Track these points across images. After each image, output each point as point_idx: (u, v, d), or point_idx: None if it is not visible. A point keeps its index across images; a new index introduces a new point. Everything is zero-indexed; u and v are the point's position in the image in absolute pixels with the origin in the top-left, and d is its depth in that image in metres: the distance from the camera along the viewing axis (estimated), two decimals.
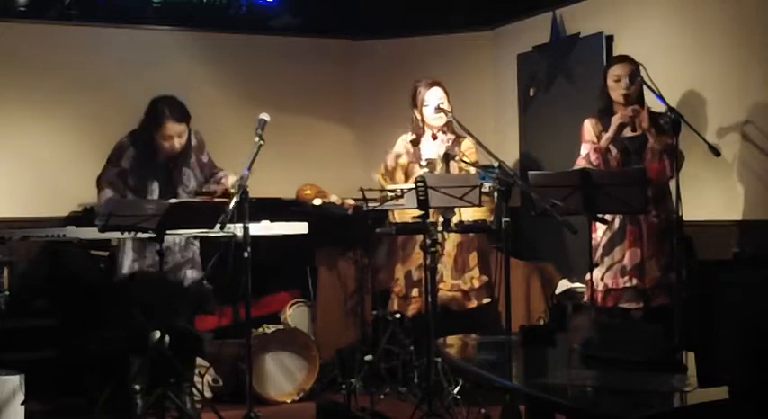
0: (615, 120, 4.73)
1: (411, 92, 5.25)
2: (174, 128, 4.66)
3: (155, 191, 4.72)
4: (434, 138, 5.24)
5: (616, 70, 4.79)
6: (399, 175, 5.24)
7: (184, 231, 4.57)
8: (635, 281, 4.66)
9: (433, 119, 5.19)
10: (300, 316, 5.85)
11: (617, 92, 4.78)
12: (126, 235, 4.38)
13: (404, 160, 5.25)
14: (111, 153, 4.75)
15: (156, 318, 4.45)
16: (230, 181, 4.73)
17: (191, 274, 4.81)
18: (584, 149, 4.85)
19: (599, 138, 4.79)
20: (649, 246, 4.68)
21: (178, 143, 4.70)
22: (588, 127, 4.87)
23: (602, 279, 4.73)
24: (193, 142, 4.83)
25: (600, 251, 4.75)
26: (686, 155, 4.74)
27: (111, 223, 4.24)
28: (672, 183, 4.49)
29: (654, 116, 4.71)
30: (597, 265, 4.68)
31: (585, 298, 4.93)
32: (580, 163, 4.80)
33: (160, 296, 4.41)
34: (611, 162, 4.78)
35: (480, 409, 4.58)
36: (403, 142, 5.31)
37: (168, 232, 4.33)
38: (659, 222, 4.68)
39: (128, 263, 4.72)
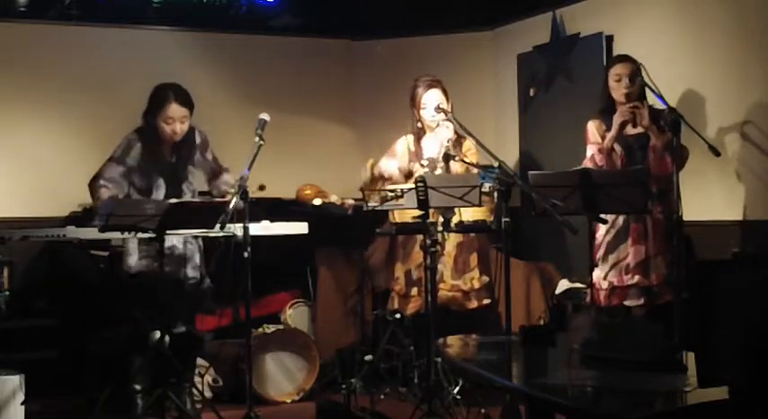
0: (617, 119, 4.74)
1: (410, 91, 5.24)
2: (176, 110, 4.66)
3: (160, 187, 4.72)
4: (437, 125, 5.17)
5: (617, 70, 4.81)
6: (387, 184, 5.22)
7: (184, 231, 4.57)
8: (638, 278, 4.67)
9: (432, 120, 5.18)
10: (300, 316, 5.85)
11: (618, 91, 4.79)
12: (126, 235, 4.38)
13: (401, 166, 5.23)
14: (116, 150, 4.73)
15: (158, 317, 4.44)
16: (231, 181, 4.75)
17: (190, 273, 4.80)
18: (590, 151, 4.86)
19: (603, 138, 4.80)
20: (655, 243, 4.69)
21: (179, 128, 4.69)
22: (592, 128, 4.88)
23: (605, 277, 4.74)
24: (198, 140, 4.84)
25: (603, 249, 4.76)
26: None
27: (111, 223, 4.24)
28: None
29: (654, 114, 4.72)
30: (597, 265, 4.69)
31: (587, 299, 4.93)
32: (586, 165, 4.80)
33: (164, 295, 4.42)
34: (616, 161, 4.79)
35: (480, 409, 4.58)
36: (406, 141, 5.30)
37: (168, 232, 4.33)
38: (664, 219, 4.68)
39: (135, 260, 4.72)
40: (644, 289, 4.68)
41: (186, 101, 4.70)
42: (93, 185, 4.66)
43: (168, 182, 4.73)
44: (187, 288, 4.77)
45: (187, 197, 4.75)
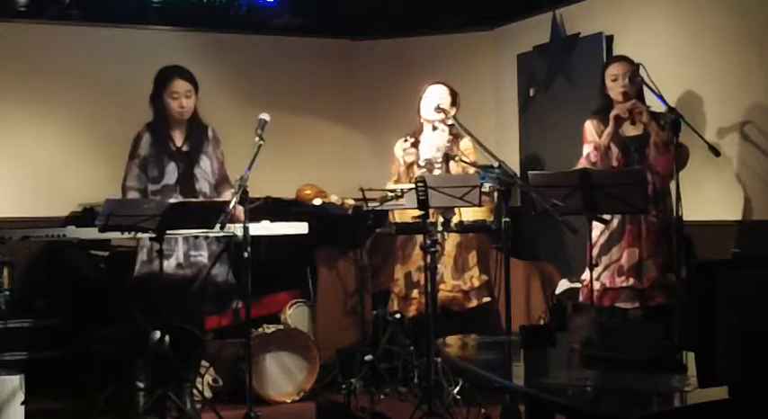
0: (612, 115, 4.74)
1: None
2: (180, 85, 4.75)
3: (172, 172, 4.73)
4: (434, 128, 5.19)
5: (612, 70, 4.82)
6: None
7: (184, 231, 4.57)
8: (632, 281, 4.66)
9: (430, 117, 5.19)
10: (300, 316, 5.86)
11: (615, 91, 4.80)
12: (126, 235, 4.38)
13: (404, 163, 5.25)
14: (131, 147, 4.80)
15: (163, 318, 4.43)
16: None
17: (217, 270, 4.79)
18: (586, 149, 4.86)
19: (600, 137, 4.80)
20: (647, 246, 4.68)
21: (185, 102, 4.75)
22: (590, 127, 4.88)
23: (598, 278, 4.73)
24: (210, 134, 4.87)
25: (597, 250, 4.75)
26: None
27: (111, 223, 4.24)
28: (672, 183, 4.49)
29: (653, 116, 4.72)
30: (596, 265, 4.69)
31: (581, 298, 4.93)
32: (582, 163, 4.80)
33: (181, 295, 4.43)
34: (613, 160, 4.78)
35: (480, 409, 4.58)
36: (401, 147, 5.32)
37: (168, 232, 4.33)
38: (658, 221, 4.68)
39: (145, 261, 4.72)
40: (636, 291, 4.68)
41: (190, 77, 4.80)
42: (123, 188, 4.75)
43: (180, 167, 4.75)
44: (211, 289, 4.76)
45: (199, 182, 4.76)
